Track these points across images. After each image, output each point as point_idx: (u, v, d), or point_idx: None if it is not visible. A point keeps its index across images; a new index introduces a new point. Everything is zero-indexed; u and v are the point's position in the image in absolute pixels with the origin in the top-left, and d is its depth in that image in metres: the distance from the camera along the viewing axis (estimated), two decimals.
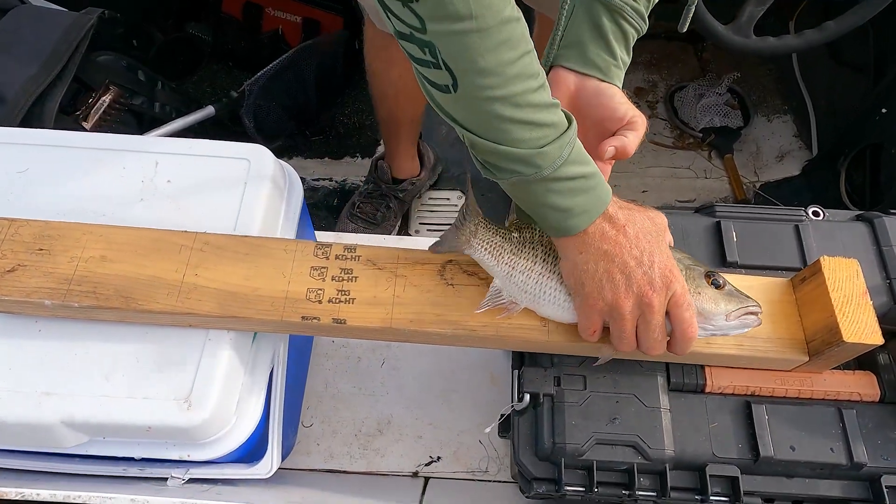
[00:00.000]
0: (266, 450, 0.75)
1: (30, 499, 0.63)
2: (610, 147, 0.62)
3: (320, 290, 0.65)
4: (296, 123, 1.56)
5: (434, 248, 0.66)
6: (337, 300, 0.65)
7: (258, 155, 0.78)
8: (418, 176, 1.47)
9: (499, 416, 0.76)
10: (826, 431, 0.65)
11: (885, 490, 0.63)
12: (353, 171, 1.61)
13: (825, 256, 0.65)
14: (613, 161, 0.64)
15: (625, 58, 0.67)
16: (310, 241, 0.69)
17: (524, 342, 0.65)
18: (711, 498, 0.64)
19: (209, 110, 1.35)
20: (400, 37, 0.50)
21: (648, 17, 0.66)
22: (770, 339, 0.66)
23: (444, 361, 1.04)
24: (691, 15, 0.73)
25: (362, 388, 1.03)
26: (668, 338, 0.60)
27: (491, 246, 0.64)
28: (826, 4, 1.26)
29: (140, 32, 1.53)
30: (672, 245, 0.62)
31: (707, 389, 0.68)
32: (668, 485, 0.64)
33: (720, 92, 1.72)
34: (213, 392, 0.63)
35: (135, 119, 1.26)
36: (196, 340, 0.66)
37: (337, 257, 0.68)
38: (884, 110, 1.27)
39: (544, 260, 0.63)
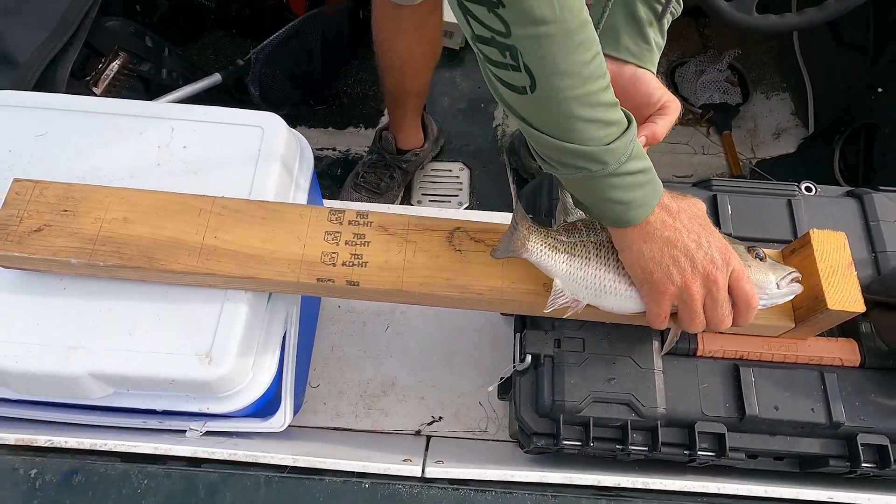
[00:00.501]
0: (279, 405, 0.79)
1: (58, 446, 0.67)
2: (640, 137, 0.64)
3: (334, 253, 0.68)
4: (300, 93, 1.57)
5: (494, 255, 0.68)
6: (351, 263, 0.68)
7: (271, 123, 0.81)
8: (422, 147, 1.49)
9: (499, 378, 0.80)
10: (808, 393, 0.70)
11: (860, 447, 0.68)
12: (356, 141, 1.63)
13: (814, 229, 0.68)
14: (646, 147, 0.66)
15: (659, 41, 0.68)
16: (324, 207, 0.72)
17: (526, 305, 0.69)
18: (699, 453, 0.68)
19: (216, 77, 1.36)
20: (479, 41, 0.51)
21: None
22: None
23: (447, 326, 1.08)
24: None
25: (367, 351, 1.07)
26: None
27: (545, 248, 0.66)
28: None
29: None
30: None
31: (698, 353, 0.72)
32: (660, 440, 0.68)
33: (721, 68, 1.74)
34: (231, 348, 0.67)
35: (142, 85, 1.27)
36: (215, 300, 0.69)
37: (350, 223, 0.71)
38: (879, 90, 1.29)
39: (597, 255, 0.66)
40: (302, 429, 1.01)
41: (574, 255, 0.66)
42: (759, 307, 0.64)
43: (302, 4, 1.64)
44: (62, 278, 0.70)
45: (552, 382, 0.70)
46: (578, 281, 0.65)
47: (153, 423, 0.77)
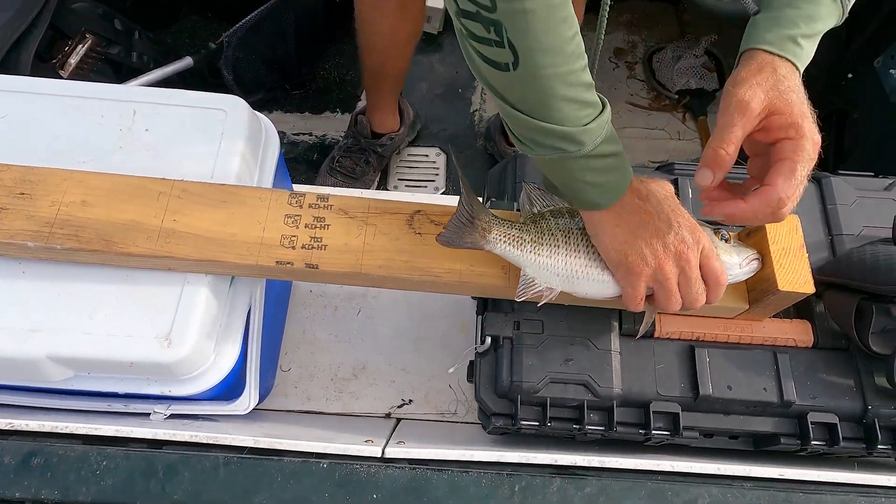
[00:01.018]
0: (244, 388, 0.80)
1: (19, 429, 0.67)
2: (707, 173, 0.61)
3: (294, 236, 0.69)
4: (276, 77, 1.56)
5: (441, 241, 0.66)
6: (310, 246, 0.68)
7: (234, 106, 0.80)
8: (397, 131, 1.48)
9: (464, 361, 0.81)
10: (761, 373, 0.71)
11: (810, 426, 0.70)
12: (333, 125, 1.62)
13: None
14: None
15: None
16: (284, 191, 0.72)
17: (485, 287, 0.70)
18: (654, 432, 0.70)
19: (187, 61, 1.34)
20: (463, 15, 0.51)
21: None
22: None
23: (417, 311, 1.08)
24: None
25: (338, 335, 1.07)
26: None
27: (509, 240, 0.66)
28: None
29: None
30: None
31: (656, 335, 0.73)
32: (615, 420, 0.70)
33: (697, 54, 1.74)
34: (191, 331, 0.67)
35: (112, 69, 1.25)
36: (175, 283, 0.69)
37: (310, 206, 0.71)
38: (850, 76, 1.30)
39: (566, 242, 0.66)
40: (272, 412, 1.02)
41: (542, 244, 0.66)
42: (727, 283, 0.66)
43: None
44: (20, 262, 0.69)
45: (510, 364, 0.71)
46: (549, 269, 0.66)
47: (118, 405, 0.77)
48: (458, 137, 1.58)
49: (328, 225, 0.70)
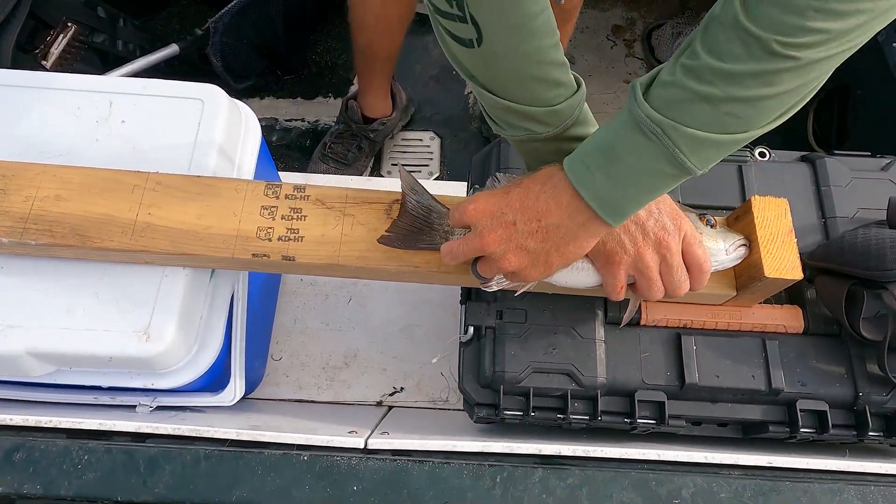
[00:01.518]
0: (230, 379, 0.79)
1: (2, 423, 0.68)
2: None
3: (270, 228, 0.68)
4: (266, 62, 1.54)
5: (389, 243, 0.65)
6: (287, 238, 0.67)
7: (212, 95, 0.79)
8: (389, 116, 1.46)
9: (449, 349, 0.80)
10: (749, 361, 0.70)
11: (799, 413, 0.69)
12: (325, 111, 1.60)
13: (756, 196, 0.67)
14: None
15: None
16: (260, 182, 0.71)
17: (463, 277, 0.68)
18: (639, 421, 0.69)
19: (173, 49, 1.32)
20: None
21: None
22: None
23: (408, 298, 1.08)
24: None
25: (329, 323, 1.07)
26: None
27: None
28: None
29: None
30: None
31: (642, 323, 0.72)
32: (599, 409, 0.69)
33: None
34: (170, 325, 0.67)
35: (98, 57, 1.24)
36: (153, 276, 0.69)
37: (287, 197, 0.70)
38: None
39: None
40: (263, 401, 1.02)
41: None
42: (712, 269, 0.64)
43: None
44: None
45: (493, 353, 0.70)
46: None
47: (105, 398, 0.77)
48: (452, 120, 1.56)
49: (305, 216, 0.68)
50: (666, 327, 0.72)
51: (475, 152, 0.91)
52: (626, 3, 1.80)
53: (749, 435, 0.74)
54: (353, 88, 1.48)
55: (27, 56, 1.08)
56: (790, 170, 0.81)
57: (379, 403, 1.02)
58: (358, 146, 1.43)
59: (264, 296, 0.97)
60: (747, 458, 0.66)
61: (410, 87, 1.56)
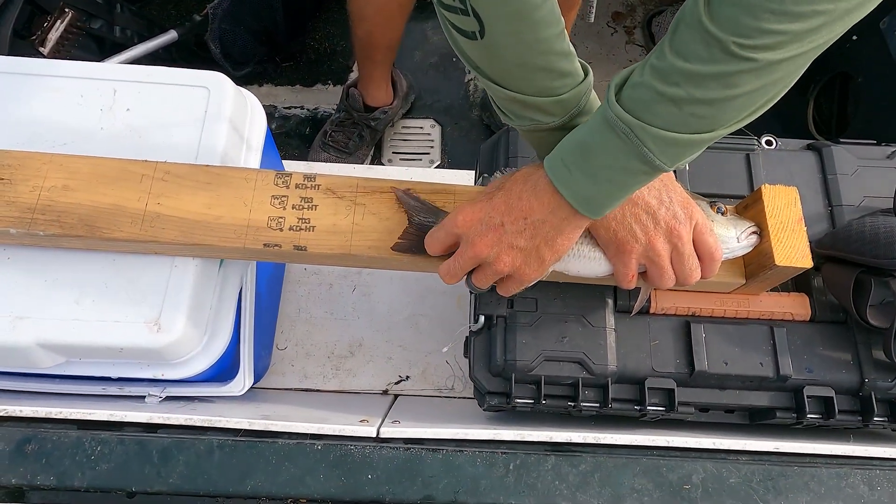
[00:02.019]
0: (239, 369, 0.79)
1: (13, 415, 0.67)
2: None
3: (281, 218, 0.67)
4: (265, 49, 1.52)
5: (412, 252, 0.66)
6: (298, 228, 0.67)
7: (217, 83, 0.78)
8: (391, 104, 1.45)
9: (459, 339, 0.80)
10: (757, 348, 0.71)
11: (806, 400, 0.69)
12: (325, 98, 1.59)
13: (766, 185, 0.68)
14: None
15: None
16: (270, 171, 0.70)
17: None
18: (649, 408, 0.69)
19: (171, 35, 1.31)
20: None
21: None
22: None
23: (413, 287, 1.08)
24: None
25: (334, 312, 1.07)
26: None
27: None
28: None
29: None
30: None
31: (651, 310, 0.72)
32: (610, 396, 0.69)
33: None
34: (180, 315, 0.66)
35: (95, 44, 1.22)
36: (163, 267, 0.68)
37: (297, 186, 0.69)
38: (854, 37, 1.26)
39: None
40: (270, 391, 1.02)
41: None
42: (724, 258, 0.65)
43: None
44: (5, 248, 0.68)
45: (504, 342, 0.70)
46: None
47: (113, 389, 0.77)
48: (452, 108, 1.55)
49: (316, 205, 0.68)
50: (675, 315, 0.72)
51: (476, 140, 0.91)
52: None
53: (756, 421, 0.75)
54: (353, 75, 1.47)
55: (24, 42, 1.06)
56: (797, 158, 0.81)
57: (385, 392, 1.02)
58: (359, 134, 1.42)
59: (270, 285, 0.97)
60: (755, 443, 0.67)
61: (411, 73, 1.55)
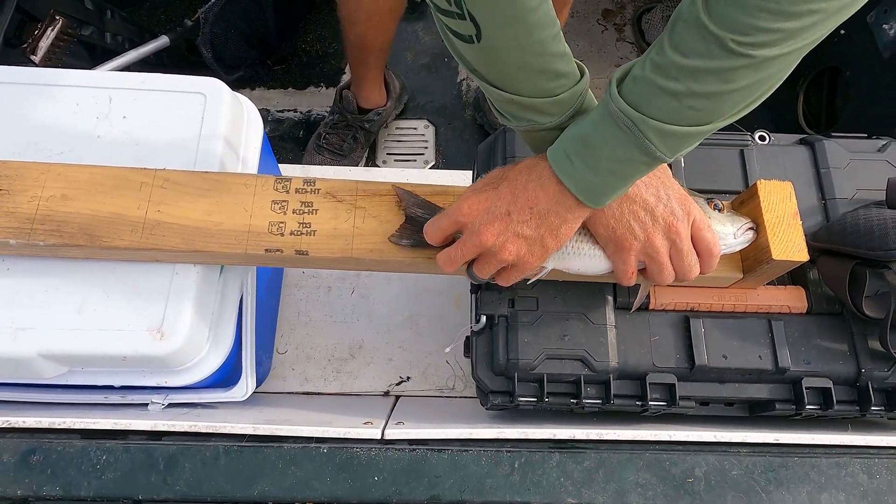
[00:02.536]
0: (241, 375, 0.79)
1: (16, 426, 0.67)
2: None
3: (282, 223, 0.67)
4: (256, 52, 1.51)
5: (409, 245, 0.67)
6: (298, 232, 0.67)
7: (214, 88, 0.78)
8: (384, 106, 1.45)
9: (457, 339, 0.81)
10: (756, 341, 0.71)
11: (804, 391, 0.70)
12: (318, 101, 1.59)
13: (761, 180, 0.68)
14: None
15: None
16: (270, 176, 0.70)
17: None
18: (650, 403, 0.70)
19: (163, 40, 1.30)
20: None
21: None
22: None
23: (411, 288, 1.08)
24: None
25: (333, 315, 1.07)
26: None
27: None
28: None
29: None
30: None
31: (651, 306, 0.73)
32: (612, 393, 0.70)
33: None
34: (183, 322, 0.66)
35: (86, 51, 1.21)
36: (164, 274, 0.68)
37: (297, 191, 0.69)
38: (842, 31, 1.28)
39: None
40: (271, 395, 1.02)
41: None
42: (721, 253, 0.65)
43: None
44: (4, 259, 0.68)
45: (506, 341, 0.70)
46: None
47: (115, 397, 0.77)
48: (446, 108, 1.56)
49: (316, 210, 0.68)
50: (674, 311, 0.73)
51: (470, 140, 0.91)
52: None
53: (755, 413, 0.76)
54: (346, 77, 1.47)
55: (15, 51, 1.05)
56: (790, 153, 0.82)
57: (386, 393, 1.03)
58: (353, 137, 1.42)
59: (269, 289, 0.97)
60: (755, 435, 0.68)
61: (403, 74, 1.55)
